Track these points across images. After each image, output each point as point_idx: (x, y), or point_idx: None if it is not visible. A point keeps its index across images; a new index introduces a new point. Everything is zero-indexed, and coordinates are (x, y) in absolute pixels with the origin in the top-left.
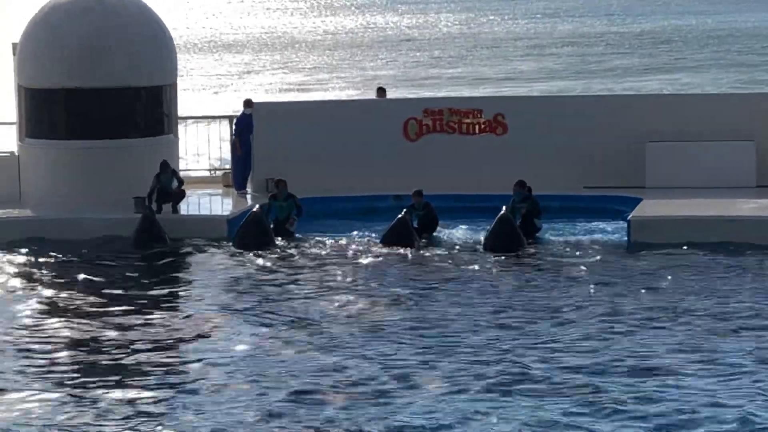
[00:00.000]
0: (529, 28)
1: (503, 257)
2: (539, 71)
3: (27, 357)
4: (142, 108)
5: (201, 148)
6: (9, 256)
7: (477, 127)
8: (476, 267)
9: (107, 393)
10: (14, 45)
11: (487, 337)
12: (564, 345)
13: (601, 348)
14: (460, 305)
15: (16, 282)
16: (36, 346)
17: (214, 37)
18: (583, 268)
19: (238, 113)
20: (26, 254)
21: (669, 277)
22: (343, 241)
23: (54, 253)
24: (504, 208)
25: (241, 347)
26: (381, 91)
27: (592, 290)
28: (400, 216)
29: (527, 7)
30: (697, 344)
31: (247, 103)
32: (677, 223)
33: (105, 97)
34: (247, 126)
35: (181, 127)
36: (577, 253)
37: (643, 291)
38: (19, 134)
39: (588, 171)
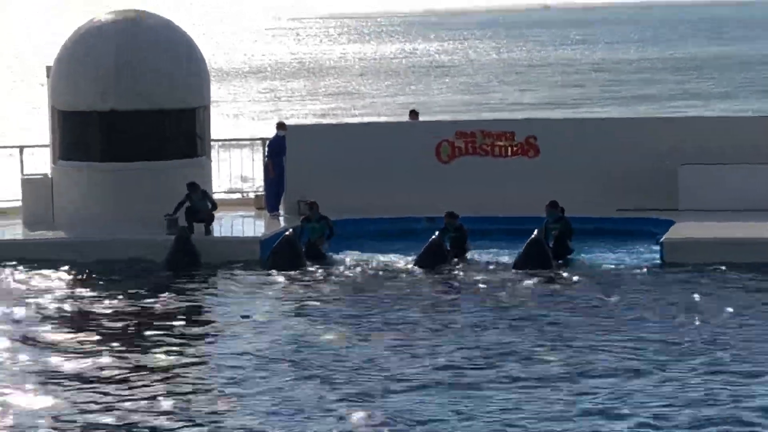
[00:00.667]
0: (560, 54)
1: (535, 278)
2: (571, 96)
3: (56, 377)
4: (175, 130)
5: (234, 170)
6: (42, 278)
7: (509, 149)
8: (508, 288)
9: (136, 414)
10: (48, 68)
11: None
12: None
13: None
14: (494, 329)
15: (49, 303)
16: (66, 366)
17: (246, 64)
18: (614, 289)
19: (272, 136)
20: (59, 275)
21: (702, 298)
22: (376, 263)
23: (87, 275)
24: (536, 231)
25: (267, 373)
26: (414, 113)
27: (622, 311)
28: (433, 237)
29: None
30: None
31: (280, 126)
32: (710, 245)
33: (139, 119)
34: (280, 148)
35: (213, 150)
36: (609, 274)
37: (671, 311)
38: (53, 156)
39: (621, 193)
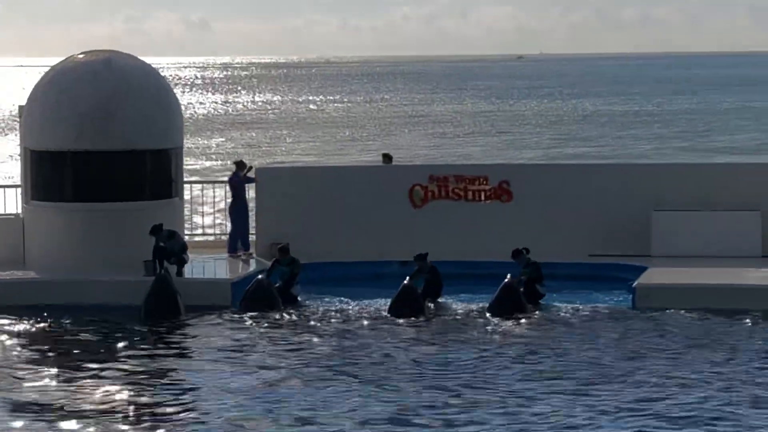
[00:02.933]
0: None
1: (509, 322)
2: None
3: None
4: (148, 171)
5: (206, 211)
6: (12, 319)
7: (483, 194)
8: (483, 332)
9: None
10: (20, 108)
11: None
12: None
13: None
14: (471, 371)
15: (18, 345)
16: (32, 409)
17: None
18: (582, 332)
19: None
20: (30, 317)
21: (669, 342)
22: (350, 309)
23: (57, 317)
24: (509, 275)
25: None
26: (387, 157)
27: (590, 353)
28: (405, 283)
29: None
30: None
31: (238, 165)
32: (681, 291)
33: (112, 159)
34: (236, 188)
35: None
36: (580, 318)
37: (634, 353)
38: (24, 196)
39: (593, 239)
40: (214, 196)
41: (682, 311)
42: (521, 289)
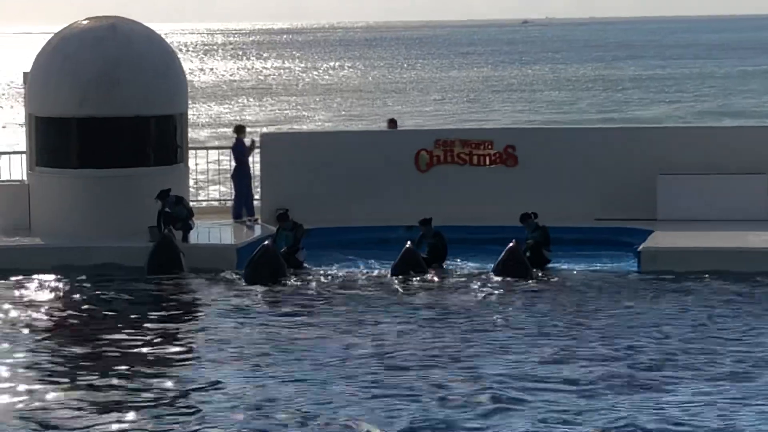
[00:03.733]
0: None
1: (512, 286)
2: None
3: (32, 382)
4: (153, 137)
5: (211, 177)
6: (18, 284)
7: (488, 158)
8: (486, 294)
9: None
10: (25, 74)
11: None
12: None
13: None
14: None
15: (24, 310)
16: (39, 375)
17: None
18: (588, 296)
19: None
20: (35, 282)
21: (674, 306)
22: (352, 273)
23: (62, 282)
24: (514, 240)
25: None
26: (392, 122)
27: (593, 317)
28: (407, 246)
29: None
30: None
31: (238, 129)
32: (687, 254)
33: (116, 125)
34: (238, 153)
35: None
36: (585, 282)
37: (641, 318)
38: (29, 163)
39: (599, 203)
40: (218, 162)
41: (689, 275)
42: (527, 254)
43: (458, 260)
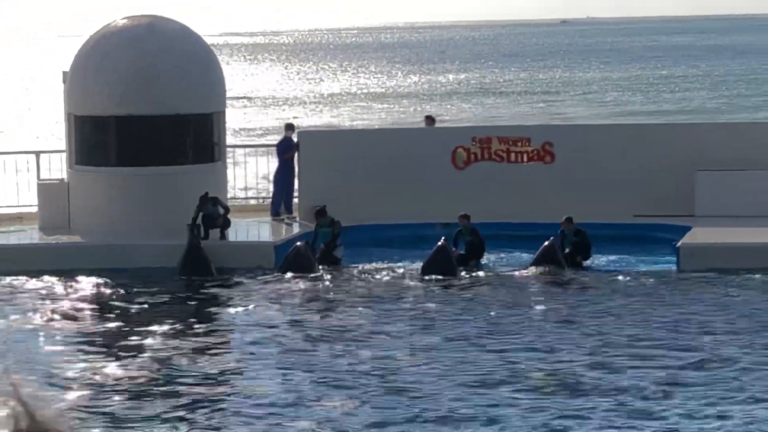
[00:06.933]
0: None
1: (546, 281)
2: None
3: (72, 382)
4: (191, 135)
5: (249, 175)
6: (58, 282)
7: (525, 155)
8: (517, 292)
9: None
10: (64, 73)
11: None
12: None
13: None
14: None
15: (63, 307)
16: (75, 373)
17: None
18: (627, 293)
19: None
20: (74, 280)
21: (716, 303)
22: (386, 270)
23: (101, 280)
24: (551, 238)
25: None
26: (429, 119)
27: (631, 315)
28: (439, 244)
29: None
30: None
31: (288, 127)
32: (726, 251)
33: (155, 124)
34: (284, 150)
35: (229, 156)
36: (624, 279)
37: (682, 315)
38: (69, 161)
39: (637, 199)
40: (257, 161)
41: (729, 272)
42: (566, 250)
43: (498, 255)
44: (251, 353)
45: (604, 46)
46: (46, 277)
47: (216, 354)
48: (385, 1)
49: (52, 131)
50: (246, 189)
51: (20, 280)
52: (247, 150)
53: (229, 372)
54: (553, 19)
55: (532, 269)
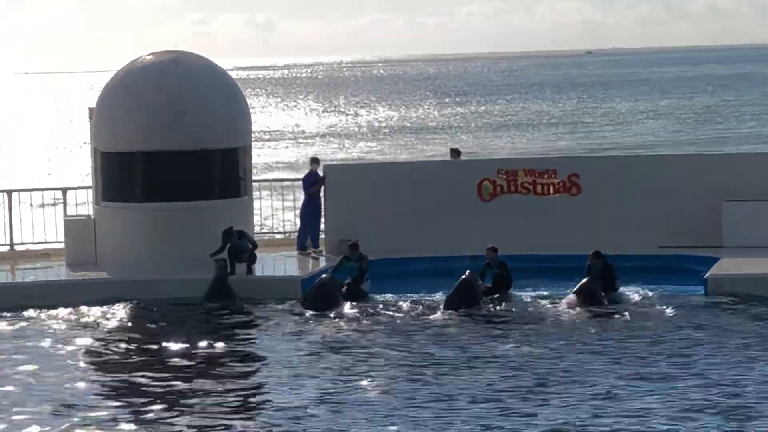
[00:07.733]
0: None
1: (580, 313)
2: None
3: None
4: (217, 170)
5: (276, 210)
6: (85, 317)
7: (551, 187)
8: (548, 323)
9: None
10: (90, 110)
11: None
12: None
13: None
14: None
15: (90, 342)
16: (103, 402)
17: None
18: (652, 323)
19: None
20: (101, 315)
21: (747, 333)
22: (411, 304)
23: (128, 315)
24: (587, 278)
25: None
26: (455, 152)
27: (664, 345)
28: (463, 277)
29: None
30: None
31: (313, 161)
32: (754, 281)
33: (181, 159)
34: (310, 184)
35: (255, 190)
36: (652, 309)
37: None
38: (95, 197)
39: (663, 231)
40: (282, 195)
41: (758, 302)
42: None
43: (526, 289)
44: (274, 385)
45: (632, 77)
46: (72, 312)
47: (241, 386)
48: (408, 33)
49: (79, 168)
50: (272, 222)
51: (49, 314)
52: (273, 184)
53: (252, 405)
54: (578, 50)
55: (565, 301)
